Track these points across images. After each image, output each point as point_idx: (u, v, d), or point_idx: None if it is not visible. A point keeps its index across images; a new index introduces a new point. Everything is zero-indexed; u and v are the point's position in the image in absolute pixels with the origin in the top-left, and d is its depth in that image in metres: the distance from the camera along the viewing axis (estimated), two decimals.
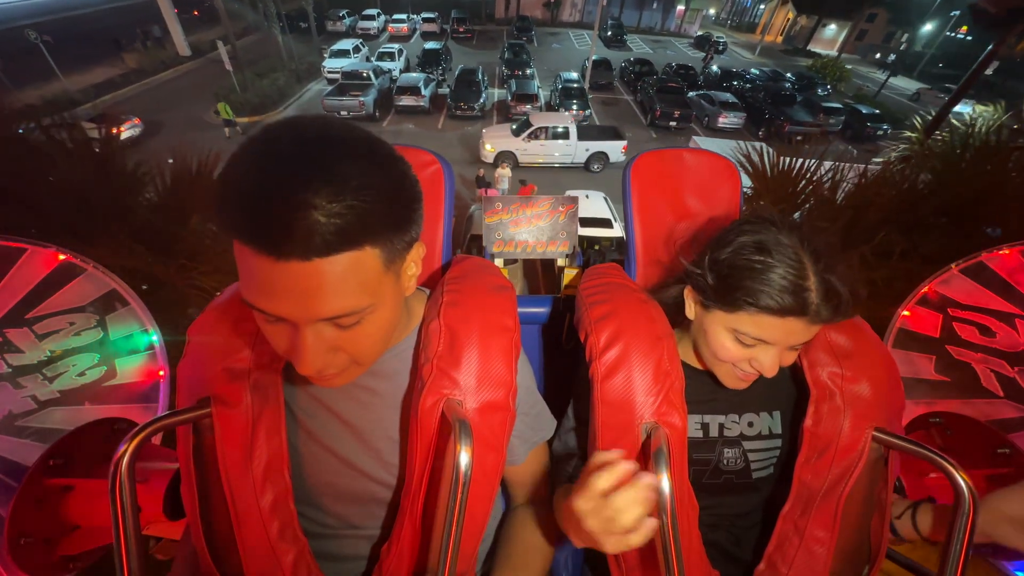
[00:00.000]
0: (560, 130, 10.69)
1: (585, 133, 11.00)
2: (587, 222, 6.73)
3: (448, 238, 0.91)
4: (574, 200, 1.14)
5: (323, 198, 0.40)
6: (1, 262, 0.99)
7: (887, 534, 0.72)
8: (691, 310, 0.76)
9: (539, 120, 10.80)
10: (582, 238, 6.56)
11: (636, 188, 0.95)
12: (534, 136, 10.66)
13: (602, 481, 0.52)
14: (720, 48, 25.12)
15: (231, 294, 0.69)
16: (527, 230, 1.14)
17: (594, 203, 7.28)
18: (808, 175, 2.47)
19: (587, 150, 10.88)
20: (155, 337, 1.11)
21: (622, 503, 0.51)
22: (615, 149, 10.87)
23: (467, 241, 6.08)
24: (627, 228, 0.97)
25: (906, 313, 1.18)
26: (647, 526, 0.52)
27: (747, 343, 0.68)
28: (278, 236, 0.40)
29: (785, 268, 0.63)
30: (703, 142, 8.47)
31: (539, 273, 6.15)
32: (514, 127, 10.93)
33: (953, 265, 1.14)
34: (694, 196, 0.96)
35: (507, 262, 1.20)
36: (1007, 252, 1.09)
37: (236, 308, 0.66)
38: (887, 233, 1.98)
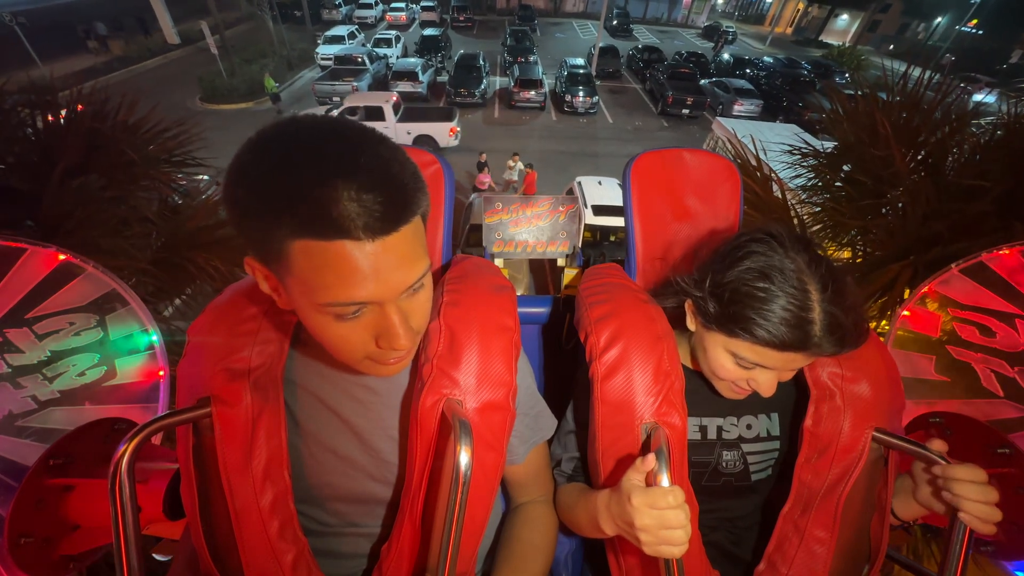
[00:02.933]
0: (374, 110, 9.59)
1: (410, 114, 10.06)
2: (601, 210, 6.15)
3: (448, 238, 0.91)
4: (574, 200, 1.14)
5: (385, 175, 0.44)
6: (1, 262, 0.99)
7: (887, 534, 0.72)
8: (691, 322, 0.75)
9: (352, 100, 9.89)
10: (595, 228, 6.11)
11: (636, 188, 0.95)
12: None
13: (671, 499, 0.55)
14: (730, 38, 24.72)
15: (231, 294, 0.69)
16: (527, 230, 1.14)
17: (608, 190, 6.61)
18: (947, 103, 1.74)
19: (409, 133, 9.81)
20: (155, 337, 1.11)
21: (676, 522, 0.54)
22: (442, 132, 9.87)
23: (466, 231, 5.87)
24: (627, 228, 0.97)
25: (906, 313, 1.18)
26: (687, 543, 0.56)
27: (746, 366, 0.68)
28: (365, 218, 0.42)
29: (788, 299, 0.60)
30: (728, 123, 7.86)
31: (546, 268, 6.09)
32: (328, 108, 10.09)
33: (953, 265, 1.14)
34: (694, 196, 0.96)
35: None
36: (1007, 252, 1.09)
37: (236, 307, 0.66)
38: None
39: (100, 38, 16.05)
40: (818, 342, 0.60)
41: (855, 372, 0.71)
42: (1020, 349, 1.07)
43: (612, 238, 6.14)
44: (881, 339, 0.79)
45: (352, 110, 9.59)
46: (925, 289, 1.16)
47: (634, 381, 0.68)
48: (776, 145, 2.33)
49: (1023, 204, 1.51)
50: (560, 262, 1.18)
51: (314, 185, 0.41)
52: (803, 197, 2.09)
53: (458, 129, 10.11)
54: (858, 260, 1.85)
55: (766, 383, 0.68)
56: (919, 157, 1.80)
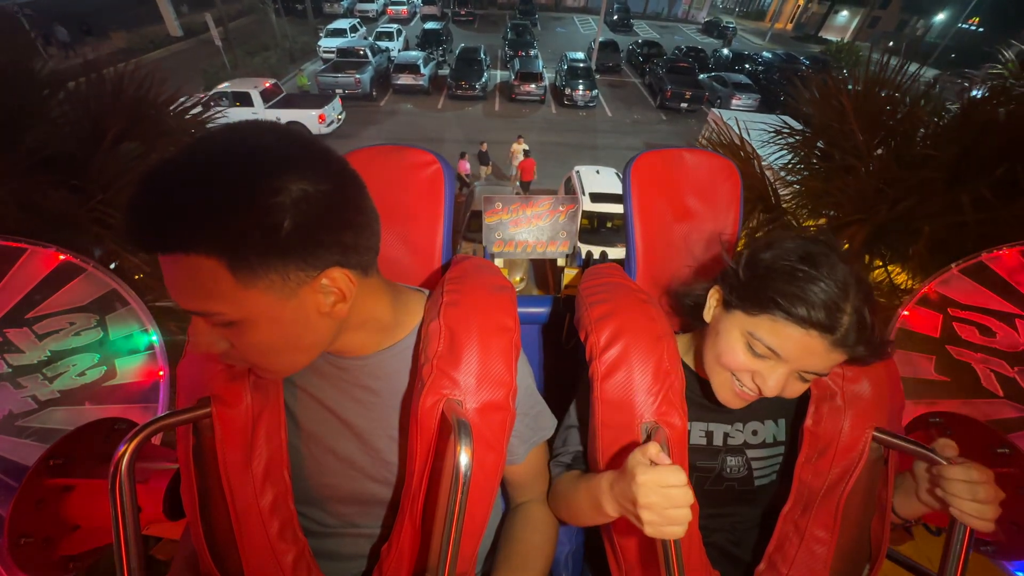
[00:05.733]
0: (241, 96, 9.70)
1: (282, 101, 10.21)
2: (599, 197, 6.48)
3: (448, 238, 0.91)
4: (574, 200, 1.14)
5: (158, 202, 0.43)
6: (1, 262, 0.99)
7: (887, 534, 0.72)
8: (710, 312, 0.73)
9: (222, 85, 9.97)
10: (592, 215, 6.36)
11: (636, 188, 0.95)
12: (213, 103, 9.81)
13: (677, 478, 0.55)
14: (729, 33, 24.85)
15: None
16: (527, 230, 1.14)
17: (605, 178, 6.94)
18: (903, 92, 2.01)
19: (278, 118, 9.69)
20: (155, 337, 1.11)
21: (682, 500, 0.54)
22: (311, 119, 9.95)
23: (467, 218, 6.07)
24: (627, 228, 0.97)
25: (906, 313, 1.18)
26: (687, 525, 0.55)
27: (759, 352, 0.64)
28: (127, 224, 0.45)
29: (827, 283, 0.60)
30: (723, 114, 8.16)
31: (547, 264, 6.18)
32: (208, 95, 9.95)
33: (953, 265, 1.14)
34: (694, 196, 0.96)
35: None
36: (1007, 252, 1.09)
37: None
38: (1011, 166, 1.58)
39: (61, 44, 14.62)
40: (845, 332, 0.59)
41: (855, 372, 0.71)
42: (1020, 349, 1.07)
43: (609, 224, 6.37)
44: None
45: (223, 94, 9.67)
46: (925, 289, 1.17)
47: (634, 380, 0.68)
48: (758, 127, 2.54)
49: (968, 170, 1.69)
50: (560, 262, 1.18)
51: (134, 188, 0.44)
52: (784, 175, 2.32)
53: (328, 116, 10.18)
54: (821, 222, 2.12)
55: (773, 380, 0.64)
56: (882, 133, 2.02)
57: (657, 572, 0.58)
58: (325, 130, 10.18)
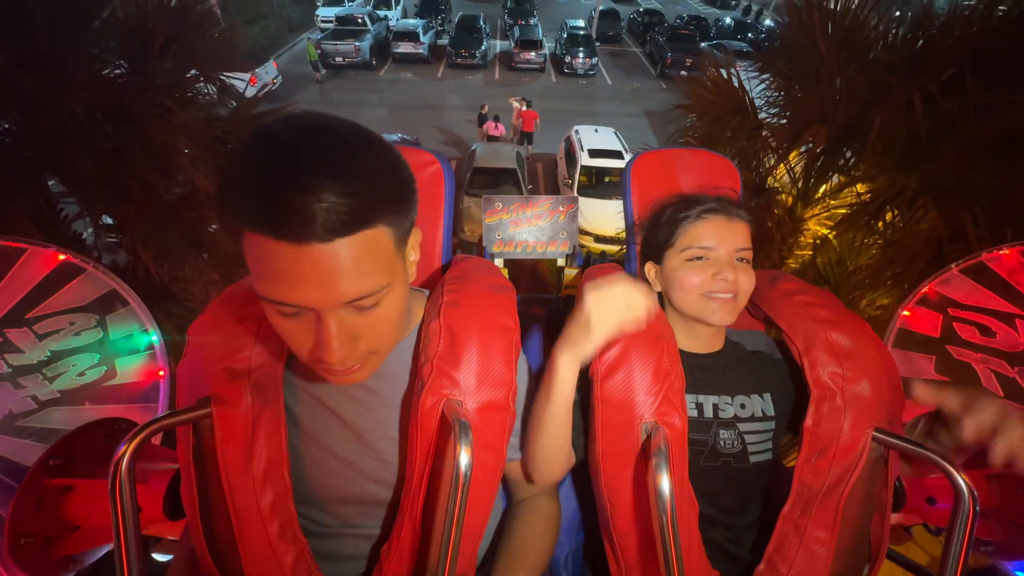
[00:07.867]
0: None
1: None
2: (596, 153, 7.03)
3: (448, 238, 0.91)
4: (574, 200, 1.14)
5: (336, 180, 0.42)
6: (1, 262, 0.99)
7: (887, 534, 0.72)
8: (656, 282, 0.86)
9: None
10: (591, 171, 6.83)
11: (636, 187, 0.95)
12: None
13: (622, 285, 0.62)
14: (733, 3, 24.45)
15: (231, 294, 0.69)
16: (527, 230, 1.14)
17: (604, 136, 7.56)
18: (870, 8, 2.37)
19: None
20: (155, 337, 1.11)
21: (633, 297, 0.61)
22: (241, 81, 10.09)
23: (469, 176, 6.46)
24: (628, 228, 0.97)
25: (906, 313, 1.18)
26: (643, 311, 0.62)
27: (699, 256, 0.78)
28: (299, 219, 0.41)
29: (697, 197, 0.83)
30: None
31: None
32: None
33: (953, 265, 1.14)
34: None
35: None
36: (1007, 252, 1.09)
37: (236, 307, 0.66)
38: (959, 70, 1.88)
39: None
40: (725, 205, 0.81)
41: (855, 372, 0.70)
42: (1020, 349, 1.07)
43: (607, 179, 6.82)
44: (881, 339, 0.79)
45: None
46: (925, 289, 1.17)
47: (634, 380, 0.68)
48: (748, 74, 3.01)
49: (920, 72, 2.02)
50: (560, 262, 1.18)
51: (266, 178, 0.41)
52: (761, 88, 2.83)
53: (260, 78, 10.01)
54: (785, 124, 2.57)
55: (725, 266, 0.76)
56: (844, 42, 2.37)
57: (657, 572, 0.58)
58: (250, 91, 10.16)
